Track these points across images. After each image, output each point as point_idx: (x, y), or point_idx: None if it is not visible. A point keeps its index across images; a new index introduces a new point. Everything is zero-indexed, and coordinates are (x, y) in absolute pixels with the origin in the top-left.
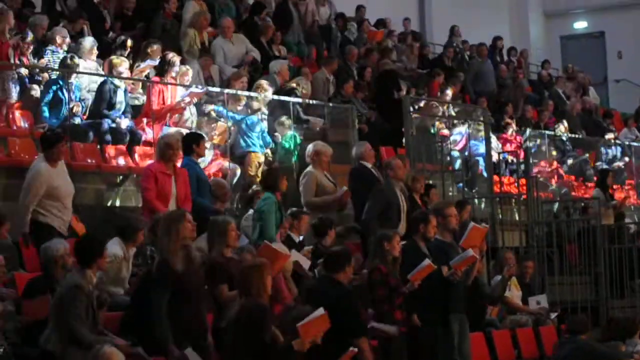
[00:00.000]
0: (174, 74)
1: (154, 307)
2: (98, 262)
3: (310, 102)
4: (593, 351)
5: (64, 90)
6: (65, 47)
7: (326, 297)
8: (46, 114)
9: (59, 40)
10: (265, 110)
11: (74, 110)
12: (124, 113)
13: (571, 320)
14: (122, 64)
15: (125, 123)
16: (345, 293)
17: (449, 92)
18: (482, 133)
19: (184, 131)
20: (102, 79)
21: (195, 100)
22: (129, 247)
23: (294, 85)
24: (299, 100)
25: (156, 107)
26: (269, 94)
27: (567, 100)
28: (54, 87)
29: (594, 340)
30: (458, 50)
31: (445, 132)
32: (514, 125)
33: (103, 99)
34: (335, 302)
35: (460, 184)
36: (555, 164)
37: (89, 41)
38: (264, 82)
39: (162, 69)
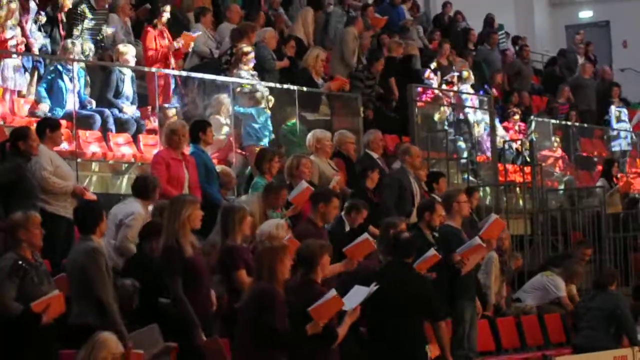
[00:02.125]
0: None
1: (175, 293)
2: (100, 226)
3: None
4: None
5: (63, 77)
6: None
7: (400, 281)
8: (45, 101)
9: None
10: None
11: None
12: (131, 102)
13: (600, 273)
14: (129, 52)
15: (131, 110)
16: (423, 276)
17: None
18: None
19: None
20: None
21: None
22: (146, 206)
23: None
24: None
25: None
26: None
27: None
28: (52, 75)
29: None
30: (459, 28)
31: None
32: (519, 114)
33: (110, 87)
34: (414, 286)
35: (466, 176)
36: (560, 151)
37: None
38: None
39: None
